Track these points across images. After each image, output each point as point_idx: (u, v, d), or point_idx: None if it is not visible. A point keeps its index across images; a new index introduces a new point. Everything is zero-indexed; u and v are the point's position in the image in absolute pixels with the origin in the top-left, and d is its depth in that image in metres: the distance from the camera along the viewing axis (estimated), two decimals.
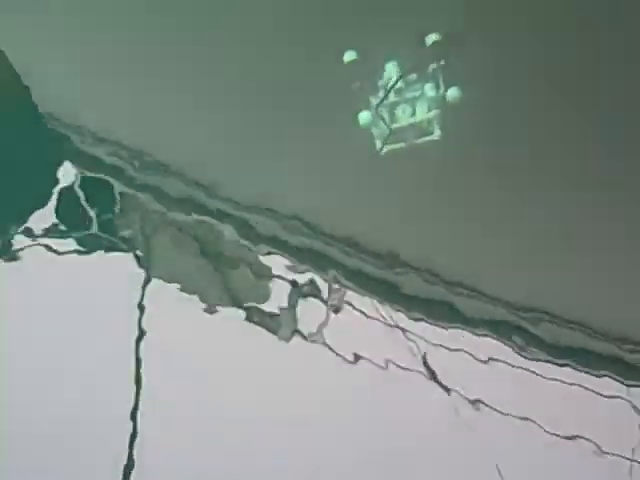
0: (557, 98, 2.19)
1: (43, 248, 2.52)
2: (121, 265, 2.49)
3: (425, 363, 2.34)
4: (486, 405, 2.31)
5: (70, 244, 2.52)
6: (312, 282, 2.42)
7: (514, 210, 2.29)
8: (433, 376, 2.33)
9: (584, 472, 2.25)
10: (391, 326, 2.37)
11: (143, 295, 2.44)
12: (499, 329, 2.32)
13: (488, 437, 2.28)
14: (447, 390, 2.32)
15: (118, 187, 2.51)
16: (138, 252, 2.49)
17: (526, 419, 2.28)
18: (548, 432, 2.27)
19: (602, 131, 2.18)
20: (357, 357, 2.36)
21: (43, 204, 2.52)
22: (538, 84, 2.21)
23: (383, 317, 2.38)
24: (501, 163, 2.26)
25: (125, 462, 2.33)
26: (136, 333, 2.42)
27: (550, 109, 2.21)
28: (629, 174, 2.21)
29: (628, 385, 2.26)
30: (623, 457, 2.24)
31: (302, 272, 2.44)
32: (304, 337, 2.40)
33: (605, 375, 2.27)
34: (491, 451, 2.27)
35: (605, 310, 2.27)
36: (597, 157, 2.21)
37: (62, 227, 2.53)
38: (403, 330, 2.36)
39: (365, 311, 2.39)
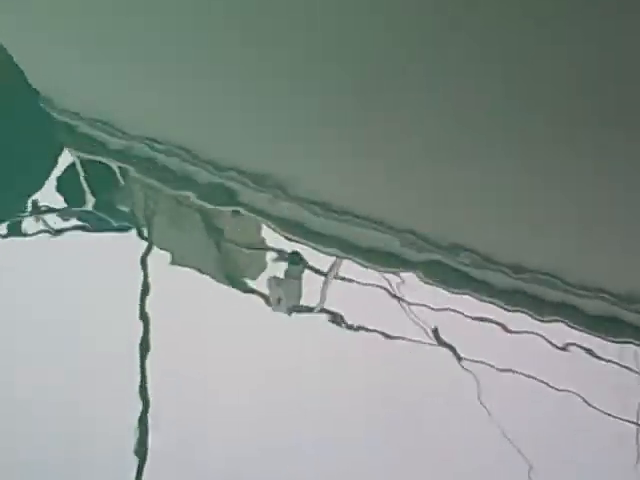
0: None
1: (45, 226, 2.58)
2: (124, 240, 2.55)
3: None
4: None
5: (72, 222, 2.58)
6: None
7: None
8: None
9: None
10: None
11: (145, 269, 2.50)
12: None
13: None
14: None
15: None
16: (140, 227, 2.54)
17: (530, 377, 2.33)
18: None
19: None
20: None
21: (42, 185, 2.57)
22: None
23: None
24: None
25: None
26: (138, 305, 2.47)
27: None
28: None
29: None
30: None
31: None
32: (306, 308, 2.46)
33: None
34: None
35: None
36: None
37: (63, 205, 2.59)
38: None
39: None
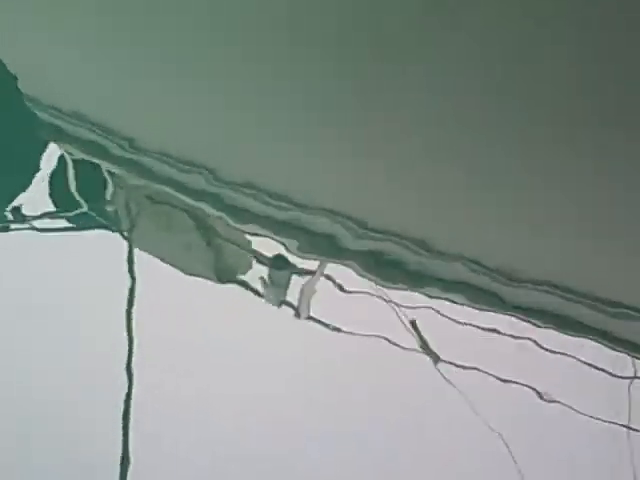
0: None
1: (32, 229, 2.53)
2: (109, 242, 2.50)
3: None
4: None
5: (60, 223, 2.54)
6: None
7: None
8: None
9: None
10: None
11: (132, 270, 2.45)
12: None
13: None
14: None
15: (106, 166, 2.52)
16: (124, 228, 2.50)
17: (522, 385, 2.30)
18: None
19: None
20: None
21: (27, 185, 2.53)
22: None
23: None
24: None
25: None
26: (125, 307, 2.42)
27: None
28: None
29: None
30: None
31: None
32: (293, 309, 2.42)
33: None
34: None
35: None
36: None
37: (52, 208, 2.55)
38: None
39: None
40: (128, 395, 2.29)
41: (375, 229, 2.37)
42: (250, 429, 2.31)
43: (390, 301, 2.40)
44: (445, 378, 2.30)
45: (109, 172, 2.49)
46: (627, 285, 2.26)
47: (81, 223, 2.54)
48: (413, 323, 2.36)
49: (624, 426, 2.23)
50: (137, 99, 2.50)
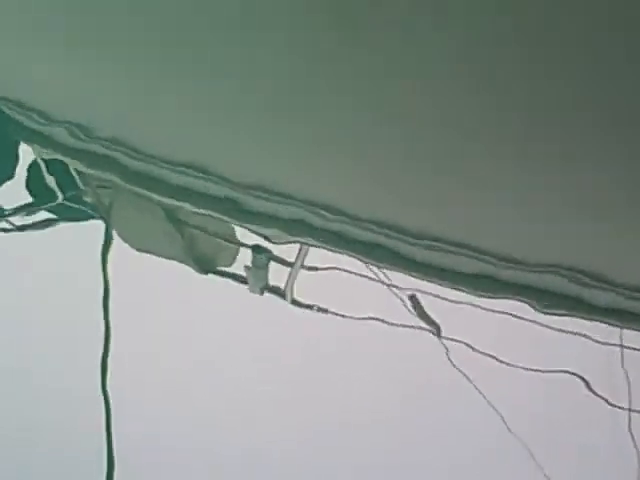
0: None
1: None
2: (88, 234, 2.52)
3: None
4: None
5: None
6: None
7: None
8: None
9: None
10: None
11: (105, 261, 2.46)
12: None
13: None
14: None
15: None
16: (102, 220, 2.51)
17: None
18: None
19: None
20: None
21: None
22: None
23: None
24: None
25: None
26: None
27: None
28: None
29: None
30: None
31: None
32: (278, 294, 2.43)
33: None
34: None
35: None
36: None
37: (28, 202, 2.57)
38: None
39: None
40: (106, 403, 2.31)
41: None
42: (237, 417, 2.33)
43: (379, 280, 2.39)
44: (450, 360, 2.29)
45: (77, 171, 2.48)
46: None
47: (61, 213, 2.57)
48: (413, 298, 2.34)
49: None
50: (120, 99, 2.47)
